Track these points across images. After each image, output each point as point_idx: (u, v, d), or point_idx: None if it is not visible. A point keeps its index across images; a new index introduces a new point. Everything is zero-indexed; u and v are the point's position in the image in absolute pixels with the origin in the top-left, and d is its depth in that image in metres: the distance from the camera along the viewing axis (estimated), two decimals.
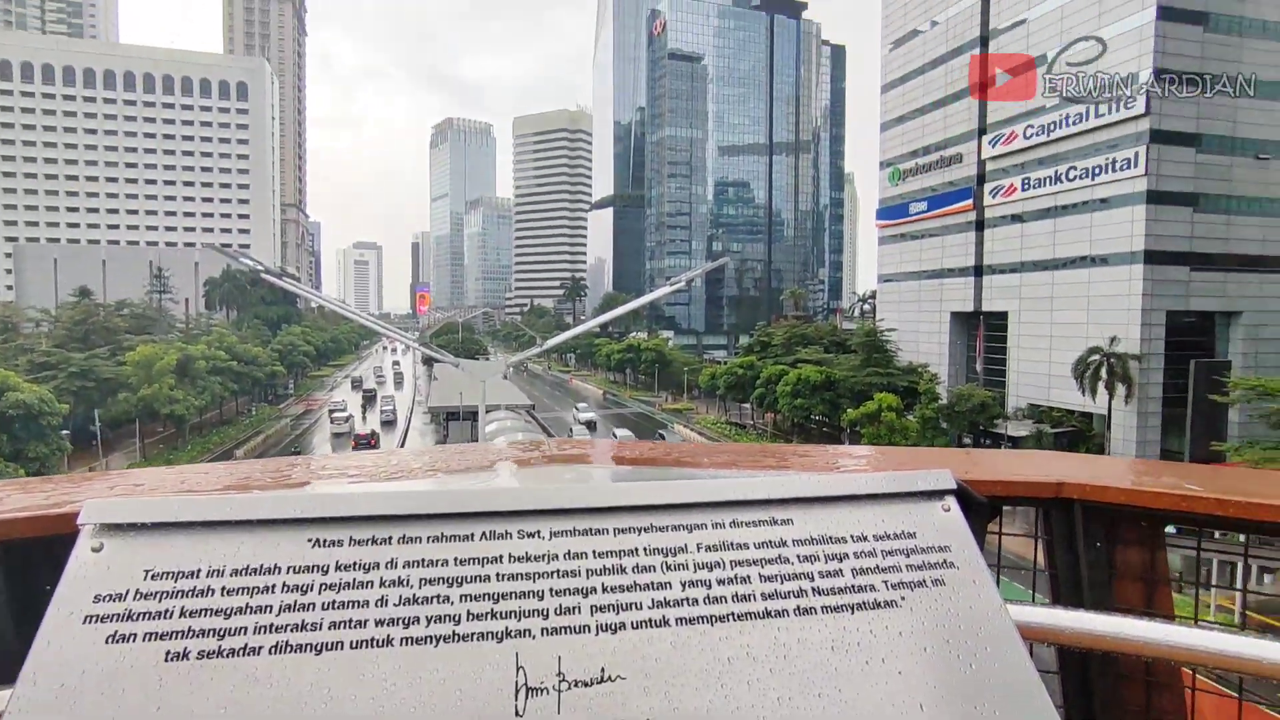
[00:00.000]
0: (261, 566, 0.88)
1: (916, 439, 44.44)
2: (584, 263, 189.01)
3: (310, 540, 0.92)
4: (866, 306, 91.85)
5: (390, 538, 0.93)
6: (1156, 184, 44.02)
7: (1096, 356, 43.05)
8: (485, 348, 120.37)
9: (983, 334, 56.64)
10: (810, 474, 1.31)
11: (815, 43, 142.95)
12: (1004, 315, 54.05)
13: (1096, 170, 46.65)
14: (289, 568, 0.89)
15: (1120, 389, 42.49)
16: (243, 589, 0.86)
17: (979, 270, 56.70)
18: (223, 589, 0.86)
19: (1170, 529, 1.82)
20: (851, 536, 1.07)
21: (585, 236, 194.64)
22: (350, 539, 0.93)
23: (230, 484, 1.68)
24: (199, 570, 0.87)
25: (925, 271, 62.48)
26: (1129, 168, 44.69)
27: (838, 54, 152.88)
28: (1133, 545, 1.74)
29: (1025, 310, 51.96)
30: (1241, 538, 1.74)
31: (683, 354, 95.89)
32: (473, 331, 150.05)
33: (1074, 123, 47.84)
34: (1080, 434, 46.10)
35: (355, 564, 0.91)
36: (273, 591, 0.87)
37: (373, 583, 0.89)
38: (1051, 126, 49.61)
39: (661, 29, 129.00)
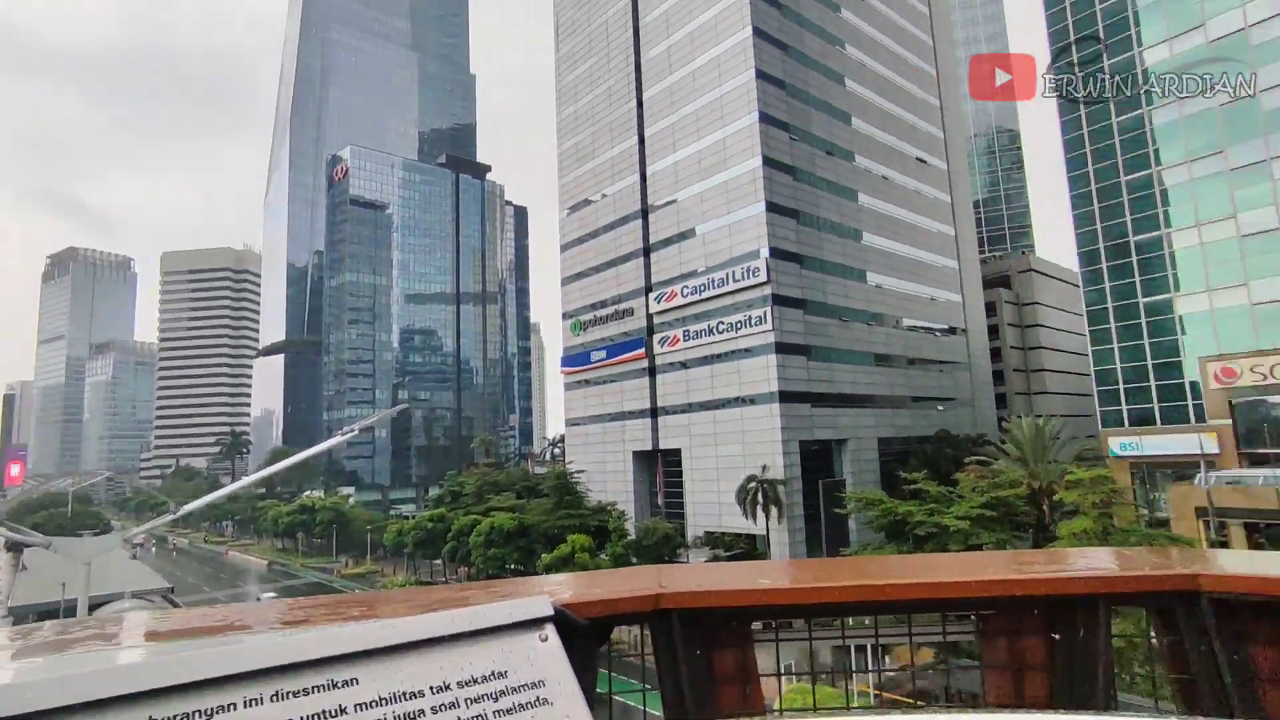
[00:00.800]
0: None
1: None
2: (248, 415, 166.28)
3: None
4: (557, 450, 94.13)
5: None
6: (781, 338, 53.28)
7: (753, 484, 48.85)
8: (104, 520, 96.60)
9: (662, 470, 61.08)
10: (386, 621, 1.05)
11: (500, 203, 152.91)
12: (678, 452, 59.09)
13: (739, 325, 55.13)
14: None
15: (774, 510, 48.42)
16: None
17: (654, 412, 61.88)
18: None
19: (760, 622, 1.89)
20: (430, 688, 0.91)
21: (250, 386, 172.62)
22: None
23: None
24: None
25: (608, 414, 66.41)
26: (761, 324, 53.72)
27: (520, 214, 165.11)
28: (727, 647, 1.72)
29: (695, 446, 57.50)
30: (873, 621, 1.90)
31: (366, 511, 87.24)
32: (89, 502, 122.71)
33: (718, 285, 56.76)
34: (748, 555, 50.96)
35: None
36: None
37: None
38: (702, 288, 58.12)
39: (343, 175, 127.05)
